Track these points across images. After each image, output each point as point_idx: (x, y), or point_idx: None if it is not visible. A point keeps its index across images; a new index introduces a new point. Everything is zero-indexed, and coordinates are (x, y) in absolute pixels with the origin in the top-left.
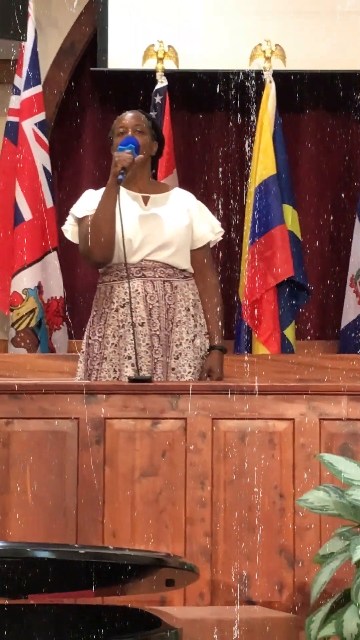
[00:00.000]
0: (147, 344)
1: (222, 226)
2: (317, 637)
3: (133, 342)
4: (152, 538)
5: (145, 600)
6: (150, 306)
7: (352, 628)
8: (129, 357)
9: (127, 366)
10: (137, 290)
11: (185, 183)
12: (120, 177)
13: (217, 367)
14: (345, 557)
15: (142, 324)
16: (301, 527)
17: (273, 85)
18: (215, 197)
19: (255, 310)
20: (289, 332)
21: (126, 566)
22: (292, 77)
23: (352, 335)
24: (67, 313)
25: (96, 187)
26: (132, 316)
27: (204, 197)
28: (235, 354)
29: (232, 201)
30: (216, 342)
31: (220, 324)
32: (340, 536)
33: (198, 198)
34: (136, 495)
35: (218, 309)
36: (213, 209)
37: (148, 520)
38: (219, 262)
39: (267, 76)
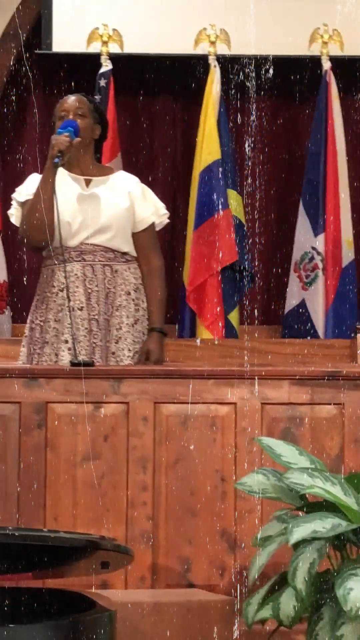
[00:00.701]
0: (86, 328)
1: (167, 210)
2: (254, 619)
3: (71, 326)
4: (94, 522)
5: (87, 584)
6: (89, 290)
7: (288, 610)
8: (66, 341)
9: (64, 350)
10: (76, 274)
11: (130, 167)
12: (56, 160)
13: (155, 349)
14: (282, 540)
15: (80, 308)
16: (243, 511)
17: (218, 70)
18: (159, 181)
19: (200, 295)
20: (233, 317)
21: (61, 549)
22: (237, 62)
23: (296, 320)
24: (11, 297)
25: (42, 172)
26: (68, 300)
27: (149, 181)
28: (179, 338)
29: (176, 186)
30: (156, 325)
31: (161, 307)
32: (279, 519)
33: (143, 182)
34: (78, 479)
35: (160, 291)
36: (157, 193)
37: (90, 504)
38: (164, 247)
39: (212, 61)
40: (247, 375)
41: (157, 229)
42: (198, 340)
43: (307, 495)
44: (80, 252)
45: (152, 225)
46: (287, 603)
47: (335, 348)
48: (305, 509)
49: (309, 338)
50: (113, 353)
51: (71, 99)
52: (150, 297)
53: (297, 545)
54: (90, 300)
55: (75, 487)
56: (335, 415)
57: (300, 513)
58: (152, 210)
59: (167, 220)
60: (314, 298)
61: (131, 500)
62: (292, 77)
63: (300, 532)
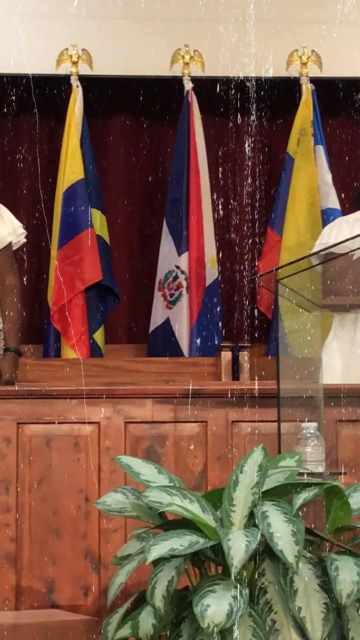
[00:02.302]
0: None
1: (31, 231)
2: (114, 638)
3: None
4: None
5: None
6: None
7: (147, 628)
8: None
9: None
10: None
11: None
12: None
13: (7, 369)
14: (141, 559)
15: None
16: (106, 530)
17: (80, 89)
18: (24, 200)
19: (64, 315)
20: (98, 336)
21: None
22: (100, 82)
23: (161, 338)
24: None
25: None
26: None
27: (12, 201)
28: (44, 358)
29: (40, 205)
30: (10, 344)
31: (16, 326)
32: (138, 538)
33: (5, 201)
34: None
35: (14, 311)
36: (20, 214)
37: None
38: (29, 267)
39: (74, 81)
40: (110, 394)
41: (14, 248)
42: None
43: (166, 514)
44: None
45: (9, 244)
46: (146, 621)
47: (199, 366)
48: (164, 527)
49: (173, 356)
50: None
51: None
52: (5, 317)
53: (157, 563)
54: None
55: None
56: (199, 433)
57: (160, 531)
58: (9, 230)
59: (24, 240)
60: (178, 317)
61: None
62: (156, 97)
63: (158, 550)
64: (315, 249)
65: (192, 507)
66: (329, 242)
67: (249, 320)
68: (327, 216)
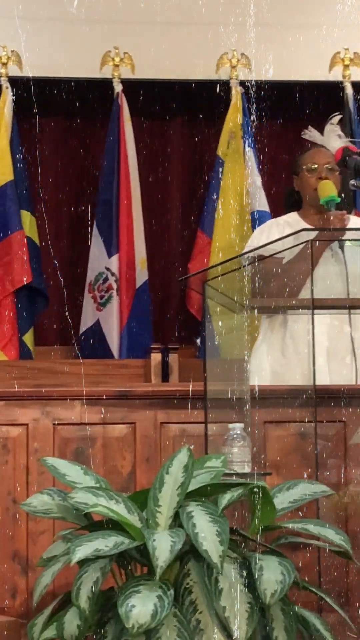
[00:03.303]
0: None
1: None
2: (39, 639)
3: None
4: None
5: None
6: None
7: (72, 629)
8: None
9: None
10: None
11: None
12: None
13: None
14: (66, 560)
15: None
16: (34, 532)
17: (9, 91)
18: None
19: None
20: (28, 338)
21: None
22: (30, 84)
23: (91, 340)
24: None
25: None
26: None
27: None
28: None
29: None
30: None
31: None
32: (63, 539)
33: None
34: None
35: None
36: None
37: None
38: None
39: (4, 82)
40: (39, 396)
41: None
42: None
43: (92, 515)
44: None
45: None
46: (71, 622)
47: (129, 368)
48: (89, 528)
49: (103, 358)
50: None
51: None
52: None
53: (82, 564)
54: None
55: None
56: (127, 435)
57: (86, 532)
58: None
59: None
60: (109, 318)
61: None
62: (86, 99)
63: (82, 551)
64: (245, 251)
65: (118, 508)
66: (259, 244)
67: (178, 322)
68: (256, 218)
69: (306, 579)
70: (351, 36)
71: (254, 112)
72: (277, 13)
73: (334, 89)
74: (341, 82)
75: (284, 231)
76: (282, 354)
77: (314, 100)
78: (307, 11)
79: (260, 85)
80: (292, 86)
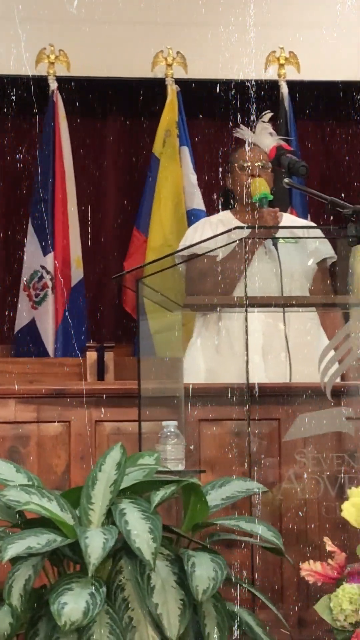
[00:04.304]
0: None
1: None
2: None
3: None
4: None
5: None
6: None
7: (4, 627)
8: None
9: None
10: None
11: None
12: None
13: None
14: None
15: None
16: None
17: None
18: None
19: None
20: None
21: None
22: None
23: (26, 338)
24: None
25: None
26: None
27: None
28: None
29: None
30: None
31: None
32: None
33: None
34: None
35: None
36: None
37: None
38: None
39: None
40: None
41: None
42: None
43: (25, 513)
44: None
45: None
46: (3, 620)
47: (64, 366)
48: (22, 526)
49: (39, 357)
50: None
51: None
52: None
53: (14, 562)
54: None
55: None
56: (62, 433)
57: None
58: None
59: None
60: (44, 317)
61: None
62: (21, 97)
63: (14, 548)
64: (178, 249)
65: (50, 506)
66: (193, 243)
67: (114, 321)
68: (192, 217)
69: (245, 576)
70: (286, 35)
71: (189, 111)
72: (212, 12)
73: (270, 87)
74: (277, 81)
75: (217, 229)
76: (217, 352)
77: (249, 99)
78: (243, 10)
79: (195, 83)
80: (227, 84)
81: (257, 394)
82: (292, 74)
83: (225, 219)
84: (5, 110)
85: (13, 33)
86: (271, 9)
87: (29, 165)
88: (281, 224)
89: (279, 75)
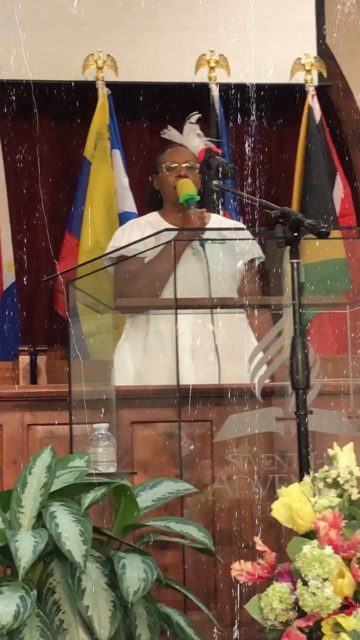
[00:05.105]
0: None
1: None
2: None
3: None
4: None
5: None
6: None
7: None
8: None
9: None
10: None
11: None
12: None
13: None
14: None
15: None
16: None
17: None
18: None
19: None
20: None
21: None
22: None
23: None
24: None
25: None
26: None
27: None
28: None
29: None
30: None
31: None
32: None
33: None
34: None
35: None
36: None
37: None
38: None
39: None
40: None
41: None
42: None
43: None
44: None
45: None
46: None
47: None
48: None
49: None
50: None
51: None
52: None
53: None
54: None
55: None
56: None
57: None
58: None
59: None
60: None
61: None
62: None
63: None
64: (107, 252)
65: None
66: (121, 245)
67: (47, 324)
68: (124, 219)
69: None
70: (217, 38)
71: (120, 114)
72: (143, 15)
73: (202, 90)
74: (207, 84)
75: (145, 231)
76: (145, 353)
77: (181, 102)
78: (173, 13)
79: (126, 86)
80: (158, 87)
81: (188, 396)
82: (222, 77)
83: (153, 220)
84: None
85: None
86: (201, 12)
87: None
88: (209, 225)
89: (209, 78)
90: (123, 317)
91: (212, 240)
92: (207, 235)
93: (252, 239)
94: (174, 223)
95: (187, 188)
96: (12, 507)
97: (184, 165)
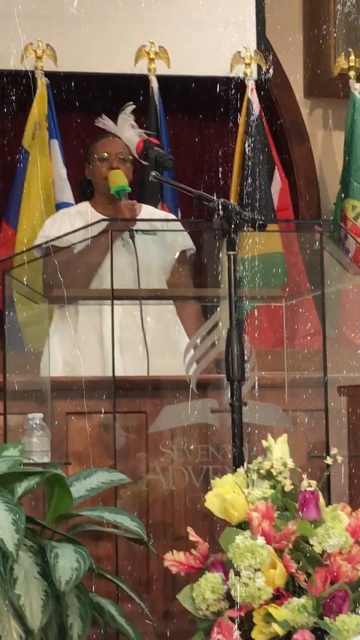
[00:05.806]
0: None
1: None
2: None
3: None
4: None
5: None
6: None
7: None
8: None
9: None
10: None
11: None
12: None
13: None
14: None
15: None
16: None
17: None
18: None
19: None
20: None
21: None
22: None
23: None
24: None
25: None
26: None
27: None
28: None
29: None
30: None
31: None
32: None
33: None
34: None
35: None
36: None
37: None
38: None
39: None
40: None
41: None
42: None
43: None
44: None
45: None
46: None
47: None
48: None
49: None
50: None
51: None
52: None
53: None
54: None
55: None
56: None
57: None
58: None
59: None
60: None
61: None
62: None
63: None
64: (37, 241)
65: None
66: (51, 235)
67: None
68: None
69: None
70: (157, 29)
71: (58, 104)
72: (84, 5)
73: (141, 82)
74: (147, 75)
75: (75, 221)
76: (74, 344)
77: (121, 93)
78: (114, 3)
79: (65, 76)
80: (96, 78)
81: (121, 388)
82: (162, 69)
83: (83, 210)
84: None
85: None
86: (143, 3)
87: None
88: (140, 216)
89: (149, 70)
90: (53, 307)
91: (143, 231)
92: (138, 226)
93: (183, 231)
94: (104, 213)
95: (119, 179)
96: None
97: (116, 156)
